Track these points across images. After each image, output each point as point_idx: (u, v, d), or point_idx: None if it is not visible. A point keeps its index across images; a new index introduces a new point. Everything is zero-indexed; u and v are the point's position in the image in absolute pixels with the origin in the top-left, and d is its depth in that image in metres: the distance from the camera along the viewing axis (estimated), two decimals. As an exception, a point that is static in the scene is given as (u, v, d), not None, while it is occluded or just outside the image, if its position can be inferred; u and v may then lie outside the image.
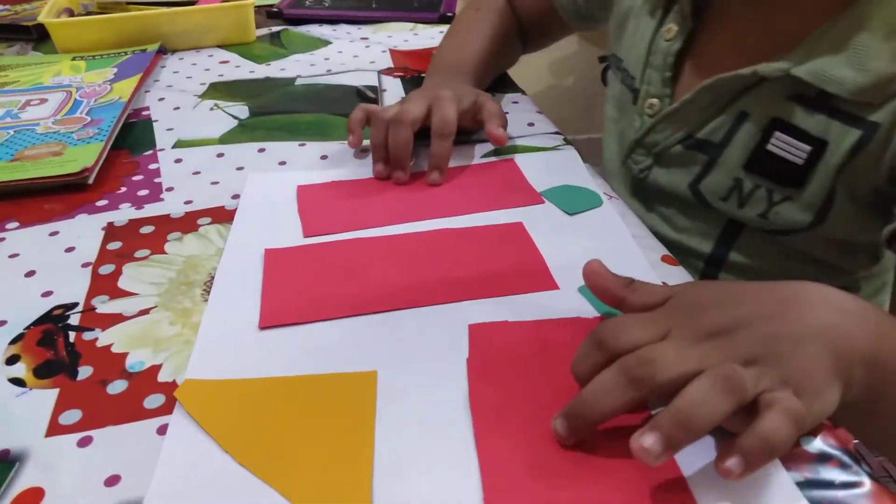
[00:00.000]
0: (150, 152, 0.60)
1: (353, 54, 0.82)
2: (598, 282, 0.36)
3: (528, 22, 0.76)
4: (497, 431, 0.33)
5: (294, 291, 0.42)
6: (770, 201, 0.49)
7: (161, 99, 0.71)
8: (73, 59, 0.77)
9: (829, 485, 0.31)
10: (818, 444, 0.32)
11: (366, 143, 0.58)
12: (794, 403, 0.28)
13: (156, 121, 0.66)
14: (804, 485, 0.30)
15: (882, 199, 0.47)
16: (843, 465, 0.31)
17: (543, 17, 0.75)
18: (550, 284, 0.43)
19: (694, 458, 0.31)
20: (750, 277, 0.35)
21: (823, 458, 0.32)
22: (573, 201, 0.51)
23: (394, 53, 0.83)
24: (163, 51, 0.82)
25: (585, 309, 0.40)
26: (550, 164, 0.57)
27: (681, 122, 0.54)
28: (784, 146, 0.47)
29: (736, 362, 0.30)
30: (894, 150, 0.44)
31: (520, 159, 0.57)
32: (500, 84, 0.74)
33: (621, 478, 0.30)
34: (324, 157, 0.59)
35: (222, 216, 0.51)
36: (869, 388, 0.32)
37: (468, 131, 0.59)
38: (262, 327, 0.40)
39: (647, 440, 0.28)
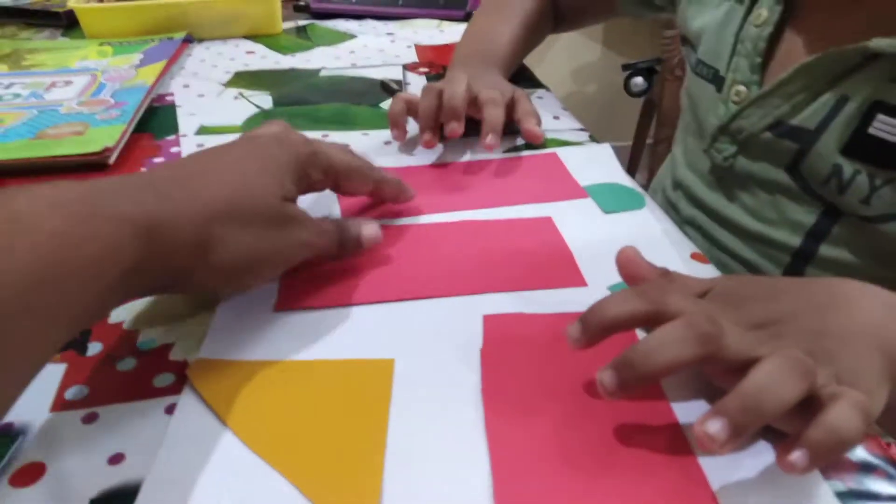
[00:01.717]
0: (173, 137, 0.60)
1: (379, 48, 0.82)
2: (633, 270, 0.34)
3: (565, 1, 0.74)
4: (509, 422, 0.31)
5: (313, 275, 0.41)
6: (872, 185, 0.47)
7: (186, 86, 0.70)
8: (101, 44, 0.77)
9: (875, 497, 0.28)
10: (860, 453, 0.30)
11: (386, 133, 0.57)
12: (862, 397, 0.26)
13: (179, 106, 0.66)
14: (846, 495, 0.28)
15: None
16: (889, 477, 0.29)
17: None
18: (579, 281, 0.41)
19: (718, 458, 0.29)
20: (838, 275, 0.33)
21: (867, 468, 0.30)
22: (615, 200, 0.50)
23: (419, 49, 0.82)
24: (189, 39, 0.82)
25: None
26: (590, 159, 0.55)
27: (770, 107, 0.51)
28: (889, 129, 0.45)
29: None
30: None
31: (561, 153, 0.56)
32: (524, 79, 0.73)
33: (638, 472, 0.29)
34: (346, 147, 0.58)
35: (241, 200, 0.50)
36: None
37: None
38: (278, 309, 0.38)
39: (712, 426, 0.25)
